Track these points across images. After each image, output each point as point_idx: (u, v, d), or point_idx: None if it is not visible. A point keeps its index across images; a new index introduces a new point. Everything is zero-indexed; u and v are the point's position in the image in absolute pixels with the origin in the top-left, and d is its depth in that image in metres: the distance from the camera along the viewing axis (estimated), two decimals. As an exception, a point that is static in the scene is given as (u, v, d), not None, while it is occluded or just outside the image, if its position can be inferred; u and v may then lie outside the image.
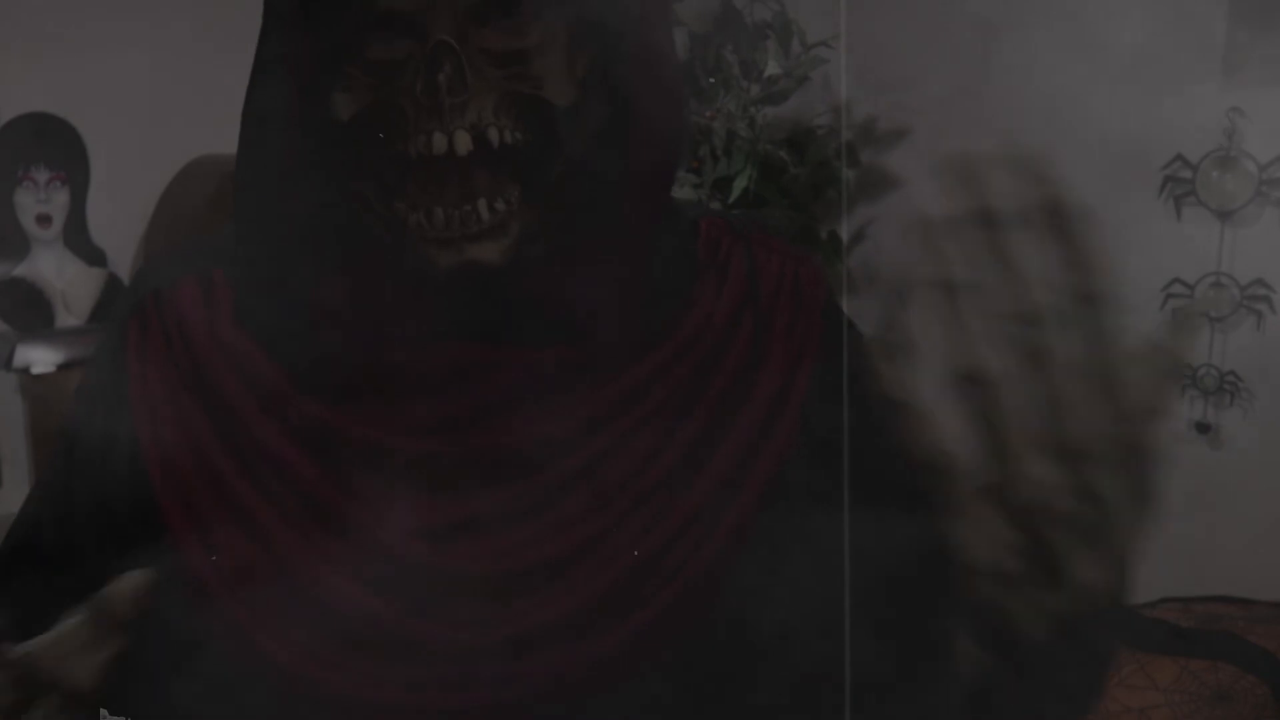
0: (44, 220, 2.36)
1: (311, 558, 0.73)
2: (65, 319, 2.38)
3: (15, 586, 0.78)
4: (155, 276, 0.82)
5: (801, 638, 0.76)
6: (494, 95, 0.71)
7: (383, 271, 0.74)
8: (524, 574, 0.73)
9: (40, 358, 2.29)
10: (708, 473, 0.76)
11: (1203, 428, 2.26)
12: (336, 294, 0.74)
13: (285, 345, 0.76)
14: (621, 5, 0.74)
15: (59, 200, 2.37)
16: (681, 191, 2.31)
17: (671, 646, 0.75)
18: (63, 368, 2.28)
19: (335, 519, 0.73)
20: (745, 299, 0.80)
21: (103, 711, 0.61)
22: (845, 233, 2.67)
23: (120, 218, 2.42)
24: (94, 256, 2.43)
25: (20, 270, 2.37)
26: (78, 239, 2.42)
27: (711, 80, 2.49)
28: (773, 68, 2.45)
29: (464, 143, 0.70)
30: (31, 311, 2.35)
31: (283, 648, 0.72)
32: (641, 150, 0.75)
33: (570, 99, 0.73)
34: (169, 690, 0.70)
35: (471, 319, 0.74)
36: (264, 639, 0.72)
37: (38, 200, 2.35)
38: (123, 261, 2.47)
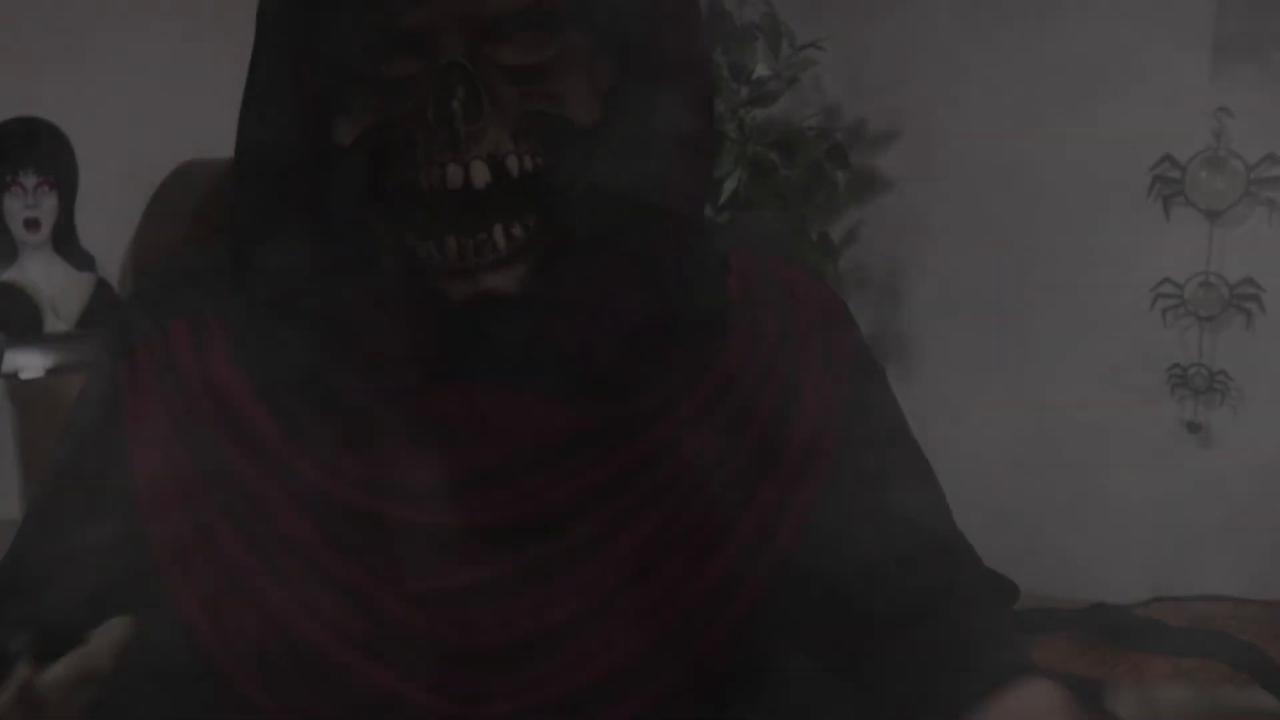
0: (32, 225, 2.35)
1: (305, 619, 0.68)
2: (54, 324, 2.38)
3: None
4: (143, 317, 0.76)
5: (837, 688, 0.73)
6: (512, 117, 0.66)
7: (391, 306, 0.68)
8: (528, 644, 0.68)
9: (29, 363, 2.28)
10: (737, 532, 0.71)
11: (1193, 426, 2.26)
12: (341, 332, 0.69)
13: (284, 389, 0.70)
14: (645, 14, 0.69)
15: (47, 205, 2.36)
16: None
17: (703, 705, 0.70)
18: (51, 373, 2.27)
19: (332, 581, 0.68)
20: (780, 343, 0.75)
21: None
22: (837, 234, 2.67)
23: (109, 222, 2.41)
24: (83, 261, 2.42)
25: (9, 275, 2.37)
26: (67, 244, 2.41)
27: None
28: (762, 69, 2.45)
29: (481, 174, 0.65)
30: (20, 316, 2.34)
31: (274, 703, 0.68)
32: (670, 170, 0.70)
33: (594, 117, 0.68)
34: None
35: (485, 360, 0.69)
36: (254, 691, 0.68)
37: (26, 205, 2.34)
38: (112, 266, 2.47)
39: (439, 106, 0.64)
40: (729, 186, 2.38)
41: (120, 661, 0.56)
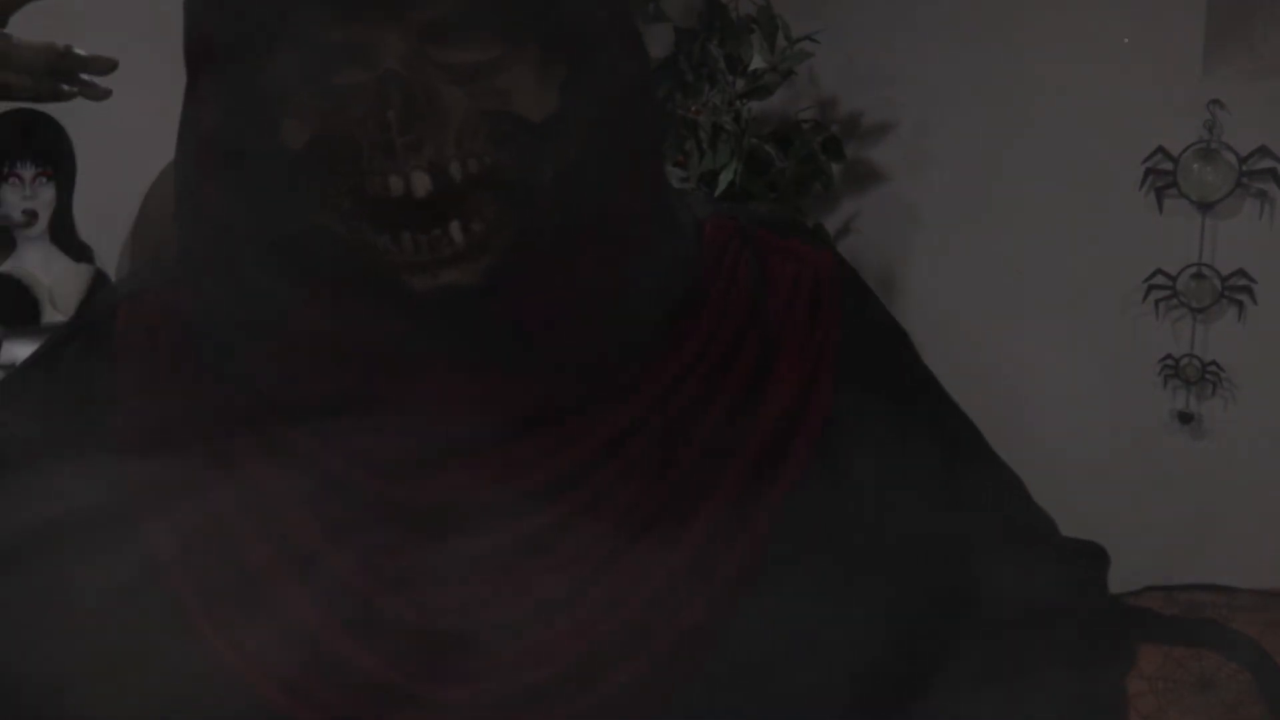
0: (30, 216, 2.36)
1: (282, 584, 0.68)
2: (52, 315, 2.38)
3: None
4: (156, 273, 0.77)
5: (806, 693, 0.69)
6: (457, 118, 0.64)
7: (354, 296, 0.67)
8: (490, 629, 0.67)
9: (26, 354, 2.29)
10: (704, 513, 0.69)
11: (1185, 417, 2.28)
12: (305, 319, 0.68)
13: (257, 368, 0.70)
14: (589, 11, 0.68)
15: (45, 196, 2.36)
16: (668, 185, 2.32)
17: (662, 705, 0.67)
18: (50, 364, 2.28)
19: (310, 553, 0.68)
20: (751, 313, 0.73)
21: None
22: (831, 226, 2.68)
23: (107, 214, 2.41)
24: (81, 253, 2.43)
25: (6, 266, 2.37)
26: (64, 235, 2.41)
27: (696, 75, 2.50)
28: (758, 62, 2.45)
29: (421, 184, 0.63)
30: (18, 308, 2.35)
31: (247, 665, 0.67)
32: (626, 155, 0.69)
33: (546, 111, 0.66)
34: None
35: (452, 344, 0.68)
36: (225, 650, 0.67)
37: (24, 196, 2.35)
38: (109, 258, 2.47)
39: (375, 119, 0.63)
40: (725, 178, 2.39)
41: None
